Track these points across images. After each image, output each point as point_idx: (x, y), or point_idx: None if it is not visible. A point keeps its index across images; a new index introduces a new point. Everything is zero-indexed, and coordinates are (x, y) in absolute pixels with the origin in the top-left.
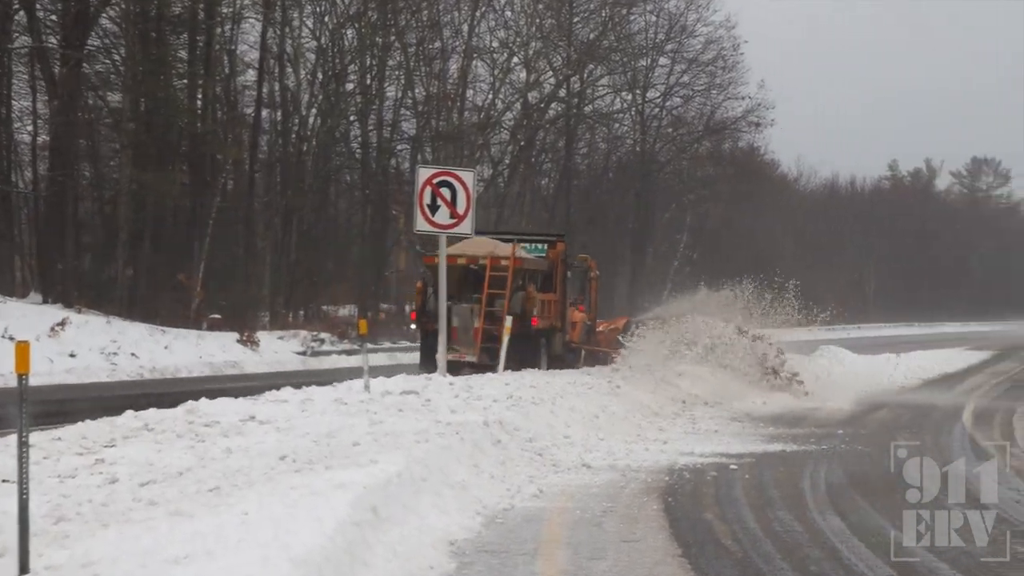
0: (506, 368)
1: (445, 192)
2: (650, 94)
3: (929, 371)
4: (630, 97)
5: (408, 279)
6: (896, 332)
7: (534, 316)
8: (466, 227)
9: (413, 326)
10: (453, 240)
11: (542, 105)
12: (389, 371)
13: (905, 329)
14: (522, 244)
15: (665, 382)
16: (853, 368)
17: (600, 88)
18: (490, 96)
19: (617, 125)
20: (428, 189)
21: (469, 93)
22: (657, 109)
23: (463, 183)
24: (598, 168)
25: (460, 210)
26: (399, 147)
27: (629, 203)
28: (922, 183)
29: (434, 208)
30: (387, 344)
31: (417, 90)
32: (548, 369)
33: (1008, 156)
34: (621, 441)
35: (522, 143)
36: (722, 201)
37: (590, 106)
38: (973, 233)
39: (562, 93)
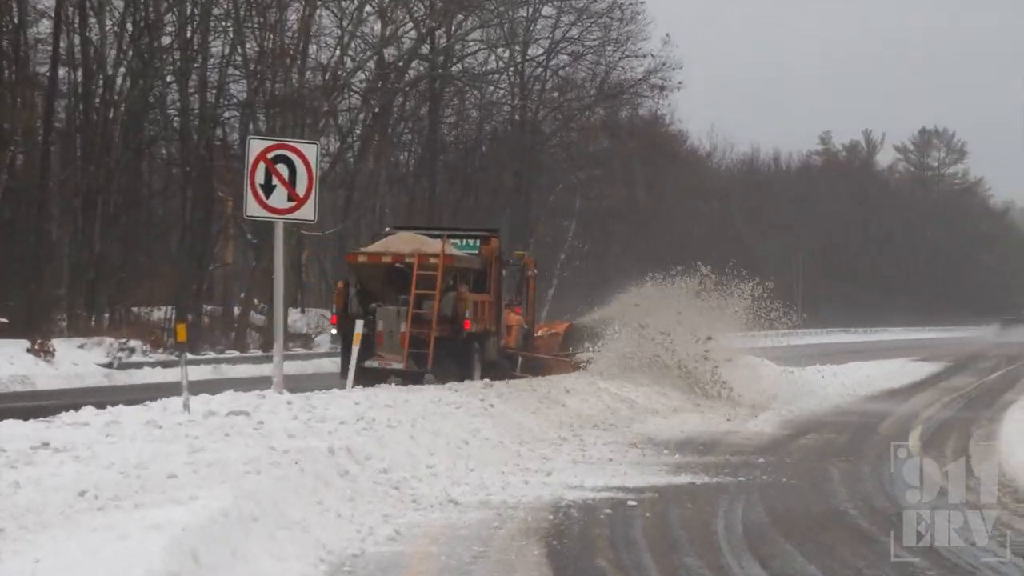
0: (435, 377)
1: (282, 169)
2: (532, 51)
3: (869, 387)
4: (507, 54)
5: (236, 275)
6: (830, 339)
7: (466, 319)
8: (307, 212)
9: (334, 331)
10: (361, 236)
11: (401, 64)
12: (214, 387)
13: (841, 336)
14: (452, 240)
15: (550, 400)
16: (776, 384)
17: (471, 43)
18: (337, 52)
19: (492, 88)
20: (262, 166)
21: (312, 49)
22: (540, 69)
23: (304, 159)
24: (469, 140)
25: (300, 191)
26: (227, 114)
27: (507, 183)
28: (860, 159)
29: (269, 189)
30: (211, 354)
31: (249, 45)
32: (482, 378)
33: (963, 128)
34: (495, 472)
35: (376, 110)
36: (619, 181)
37: (459, 65)
38: (922, 220)
39: (425, 49)
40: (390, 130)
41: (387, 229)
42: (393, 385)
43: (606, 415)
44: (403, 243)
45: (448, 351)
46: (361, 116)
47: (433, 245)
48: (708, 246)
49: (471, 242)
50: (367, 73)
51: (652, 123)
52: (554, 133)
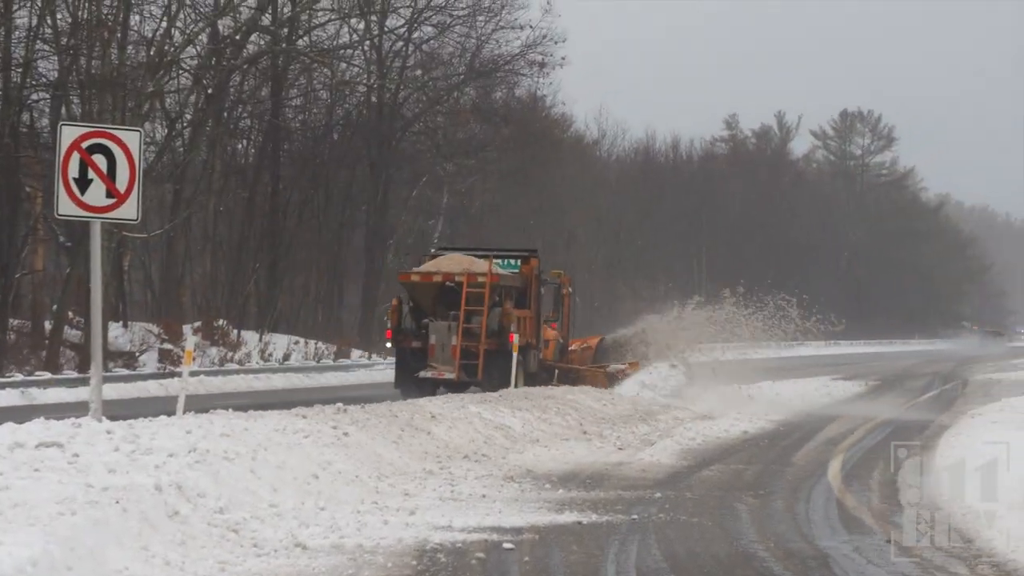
0: (486, 385)
1: (100, 161)
2: (391, 21)
3: (781, 409)
4: (362, 26)
5: (47, 284)
6: (735, 355)
7: (511, 332)
8: (129, 210)
9: (389, 344)
10: (413, 255)
11: (238, 37)
12: (21, 414)
13: (749, 351)
14: (495, 260)
15: (413, 427)
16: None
17: (320, 13)
18: (164, 24)
19: (345, 66)
20: (76, 156)
21: (134, 20)
22: (401, 43)
23: (125, 148)
24: (318, 127)
25: (121, 186)
26: (34, 97)
27: (362, 176)
28: (772, 146)
29: (84, 183)
30: (18, 376)
31: (60, 15)
32: (523, 386)
33: (890, 114)
34: (350, 511)
35: (210, 91)
36: (493, 173)
37: (306, 38)
38: (844, 216)
39: (266, 20)
40: (226, 114)
41: (433, 250)
42: (443, 391)
43: (479, 444)
44: (453, 263)
45: (494, 363)
46: (192, 98)
47: (481, 265)
48: (596, 246)
49: (512, 261)
50: (199, 48)
51: (531, 105)
52: (417, 117)
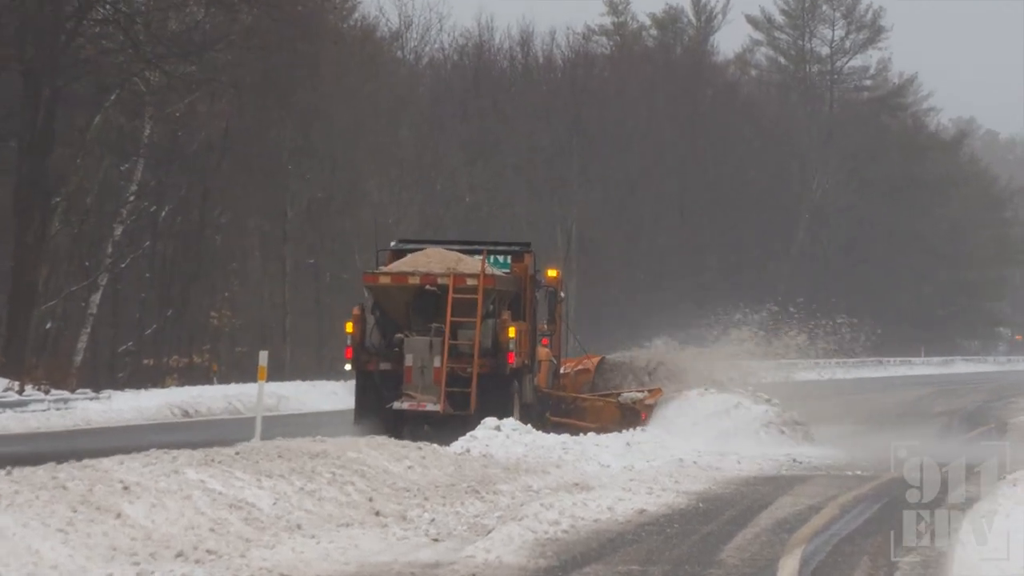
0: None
1: None
2: None
3: (704, 471)
4: None
5: None
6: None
7: (510, 351)
8: None
9: (348, 366)
10: (399, 255)
11: None
12: None
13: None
14: (478, 256)
15: (94, 507)
16: (526, 464)
17: None
18: None
19: None
20: None
21: None
22: None
23: None
24: None
25: None
26: None
27: (6, 91)
28: (685, 42)
29: None
30: None
31: None
32: (521, 421)
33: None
34: None
35: None
36: (228, 86)
37: None
38: (800, 155)
39: None
40: None
41: (394, 244)
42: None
43: (202, 535)
44: (434, 261)
45: (491, 391)
46: None
47: (469, 264)
48: (397, 204)
49: (500, 259)
50: None
51: None
52: None
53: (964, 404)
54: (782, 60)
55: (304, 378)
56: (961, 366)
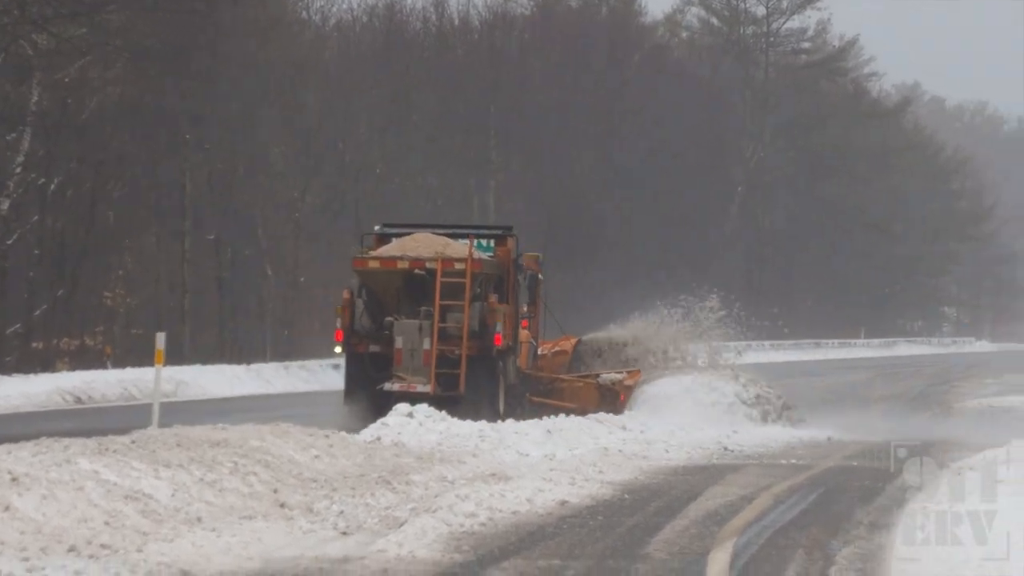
0: (471, 400)
1: None
2: None
3: (629, 460)
4: None
5: None
6: None
7: (497, 333)
8: None
9: (338, 348)
10: (384, 239)
11: None
12: None
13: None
14: (463, 240)
15: None
16: (440, 453)
17: None
18: None
19: None
20: None
21: None
22: None
23: None
24: None
25: None
26: None
27: None
28: (610, 3)
29: None
30: None
31: None
32: (505, 404)
33: None
34: None
35: None
36: (121, 51)
37: None
38: (734, 123)
39: None
40: None
41: (378, 228)
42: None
43: (97, 528)
44: (422, 245)
45: (479, 372)
46: None
47: (457, 248)
48: (303, 174)
49: (484, 242)
50: None
51: None
52: None
53: (906, 388)
54: (715, 21)
55: (205, 362)
56: (903, 348)
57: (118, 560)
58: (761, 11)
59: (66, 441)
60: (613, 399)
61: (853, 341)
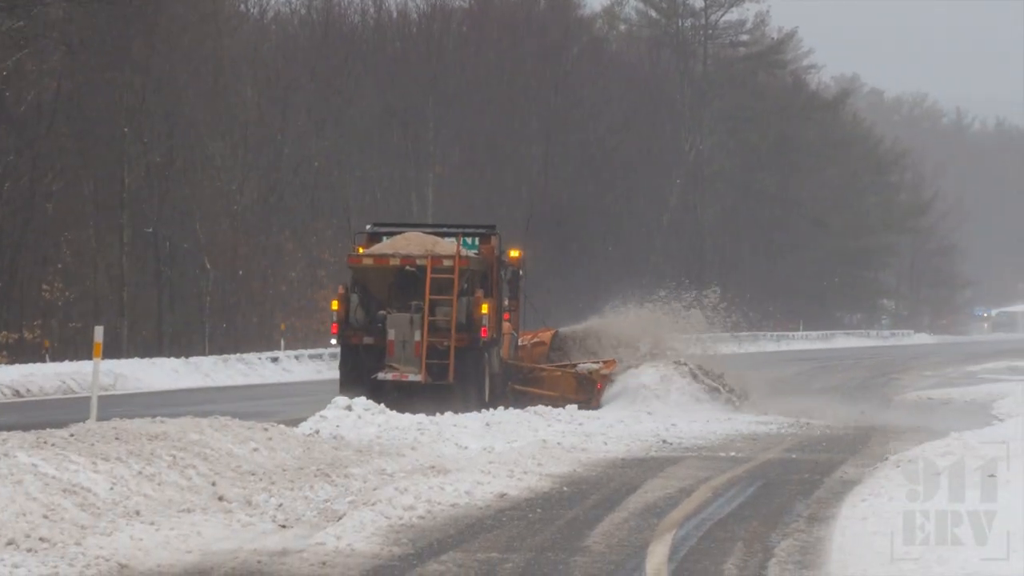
0: (459, 389)
1: None
2: None
3: (568, 453)
4: None
5: None
6: None
7: (484, 326)
8: None
9: (333, 340)
10: (375, 238)
11: None
12: None
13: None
14: (451, 239)
15: None
16: (379, 446)
17: None
18: None
19: None
20: None
21: None
22: None
23: None
24: None
25: None
26: None
27: None
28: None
29: None
30: None
31: None
32: (491, 392)
33: None
34: None
35: None
36: (59, 43)
37: None
38: (673, 116)
39: None
40: None
41: (369, 227)
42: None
43: (34, 521)
44: (412, 244)
45: (466, 362)
46: None
47: (446, 246)
48: (240, 168)
49: (469, 240)
50: None
51: None
52: None
53: (845, 380)
54: (653, 13)
55: (143, 355)
56: (842, 340)
57: (56, 553)
58: (699, 3)
59: (4, 434)
60: (590, 387)
61: (791, 334)
